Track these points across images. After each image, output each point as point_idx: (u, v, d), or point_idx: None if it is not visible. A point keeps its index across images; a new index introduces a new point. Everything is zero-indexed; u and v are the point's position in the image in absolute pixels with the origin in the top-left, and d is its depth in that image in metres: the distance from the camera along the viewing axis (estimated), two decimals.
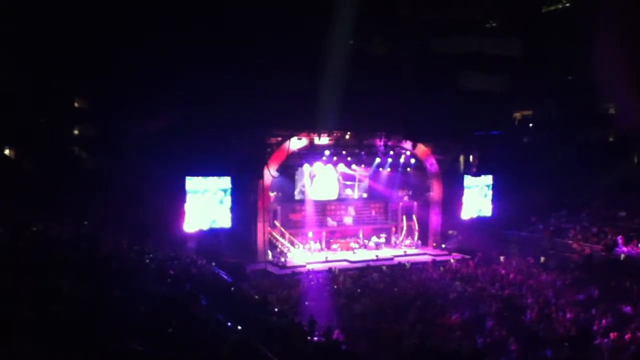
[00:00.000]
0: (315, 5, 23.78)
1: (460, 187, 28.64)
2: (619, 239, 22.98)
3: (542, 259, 24.15)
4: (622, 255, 22.18)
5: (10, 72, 19.74)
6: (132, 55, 21.41)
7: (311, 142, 25.72)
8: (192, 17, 21.84)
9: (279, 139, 25.30)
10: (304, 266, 23.93)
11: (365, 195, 30.49)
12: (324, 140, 25.79)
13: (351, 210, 29.93)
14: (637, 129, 25.64)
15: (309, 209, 28.64)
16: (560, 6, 29.98)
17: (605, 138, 30.19)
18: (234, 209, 23.77)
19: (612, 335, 14.16)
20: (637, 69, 23.36)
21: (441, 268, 23.52)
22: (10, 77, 19.82)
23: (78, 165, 22.97)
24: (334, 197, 29.59)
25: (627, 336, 14.12)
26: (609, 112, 29.73)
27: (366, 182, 30.27)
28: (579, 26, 27.51)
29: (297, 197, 28.50)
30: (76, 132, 24.27)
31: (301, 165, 27.11)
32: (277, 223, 27.09)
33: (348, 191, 30.00)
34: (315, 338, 11.50)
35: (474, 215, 28.95)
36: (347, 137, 26.14)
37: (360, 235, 29.04)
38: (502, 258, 25.03)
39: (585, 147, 28.80)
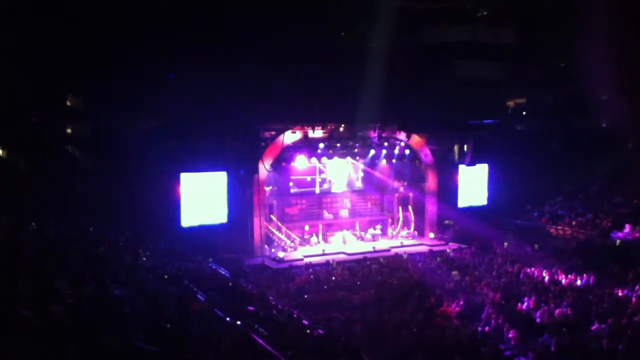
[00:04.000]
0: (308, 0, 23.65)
1: (455, 177, 28.70)
2: (627, 226, 22.99)
3: (536, 245, 24.30)
4: (618, 241, 22.31)
5: (2, 71, 19.57)
6: (125, 52, 21.21)
7: (305, 135, 25.66)
8: (185, 15, 21.65)
9: (273, 133, 25.24)
10: (302, 260, 23.91)
11: (359, 184, 30.36)
12: (317, 133, 25.72)
13: (347, 203, 29.90)
14: (628, 117, 25.66)
15: (305, 203, 28.64)
16: None
17: (599, 125, 30.24)
18: (230, 204, 23.73)
19: (609, 320, 14.26)
20: (629, 57, 23.36)
21: (438, 258, 23.58)
22: (1, 76, 19.65)
23: (72, 164, 22.83)
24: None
25: (624, 321, 14.23)
26: (602, 98, 29.72)
27: (361, 174, 30.25)
28: (572, 13, 27.42)
29: (292, 190, 28.45)
30: (69, 130, 24.12)
31: (293, 159, 26.92)
32: (273, 217, 27.07)
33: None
34: (315, 331, 11.54)
35: (470, 205, 29.02)
36: (341, 129, 26.05)
37: (357, 228, 29.05)
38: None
39: (580, 134, 28.84)
